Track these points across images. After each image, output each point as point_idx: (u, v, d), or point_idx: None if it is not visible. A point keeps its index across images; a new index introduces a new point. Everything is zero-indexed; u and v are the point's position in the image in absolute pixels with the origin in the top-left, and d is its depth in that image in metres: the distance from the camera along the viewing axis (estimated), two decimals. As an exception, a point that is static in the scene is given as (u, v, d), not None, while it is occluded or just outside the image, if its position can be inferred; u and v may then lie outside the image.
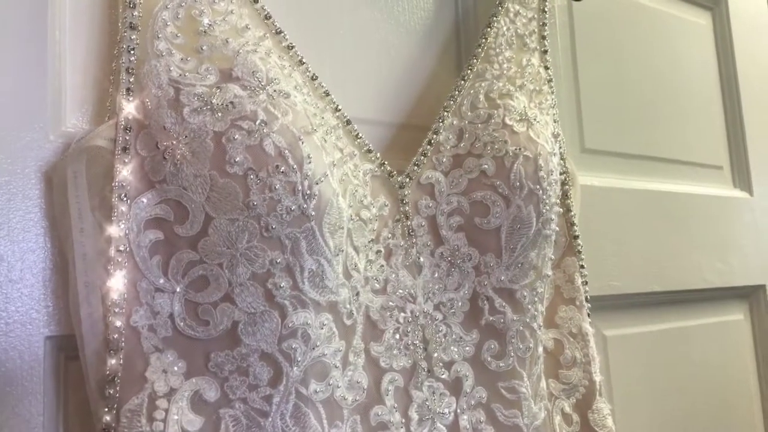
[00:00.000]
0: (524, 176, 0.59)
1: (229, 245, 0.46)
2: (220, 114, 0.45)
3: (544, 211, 0.60)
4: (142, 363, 0.44)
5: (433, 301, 0.57)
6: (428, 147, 0.61)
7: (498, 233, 0.59)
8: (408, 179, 0.59)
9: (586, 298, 0.71)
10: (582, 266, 0.71)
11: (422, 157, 0.60)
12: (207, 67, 0.47)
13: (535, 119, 0.63)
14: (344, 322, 0.51)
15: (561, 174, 0.71)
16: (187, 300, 0.46)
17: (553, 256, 0.65)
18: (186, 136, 0.45)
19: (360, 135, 0.57)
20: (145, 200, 0.46)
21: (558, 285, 0.70)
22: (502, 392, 0.59)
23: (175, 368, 0.45)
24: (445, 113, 0.62)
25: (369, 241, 0.54)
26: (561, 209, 0.66)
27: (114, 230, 0.44)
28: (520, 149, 0.60)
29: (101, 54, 0.50)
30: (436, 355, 0.56)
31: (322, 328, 0.48)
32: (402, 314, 0.55)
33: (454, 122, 0.62)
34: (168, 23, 0.47)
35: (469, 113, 0.62)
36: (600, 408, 0.67)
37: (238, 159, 0.45)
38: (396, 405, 0.53)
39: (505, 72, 0.65)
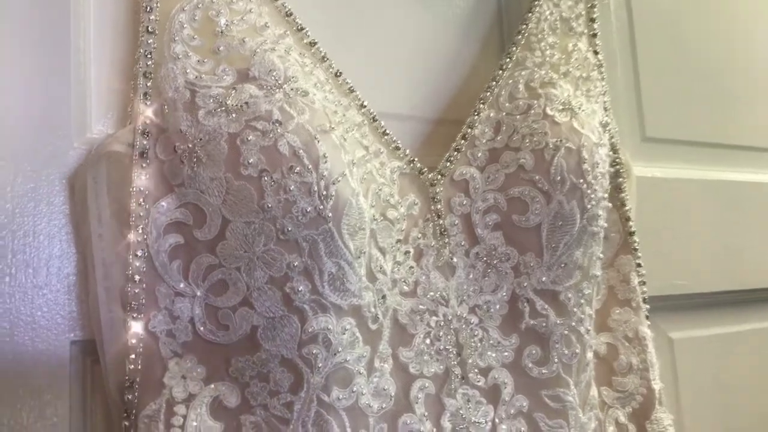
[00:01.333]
0: (566, 169, 0.55)
1: (246, 249, 0.45)
2: (234, 115, 0.44)
3: (589, 206, 0.56)
4: (161, 368, 0.44)
5: (467, 303, 0.55)
6: (462, 142, 0.58)
7: (538, 231, 0.55)
8: (440, 176, 0.56)
9: (644, 299, 0.66)
10: (639, 265, 0.66)
11: (455, 153, 0.57)
12: (224, 68, 0.46)
13: (580, 108, 0.59)
14: (369, 327, 0.49)
15: (613, 166, 0.66)
16: (207, 304, 0.46)
17: (602, 255, 0.60)
18: (201, 139, 0.44)
19: (387, 132, 0.55)
20: (164, 204, 0.46)
21: (612, 285, 0.66)
22: (545, 401, 0.55)
23: (195, 373, 0.45)
24: (481, 105, 0.59)
25: (396, 242, 0.52)
26: (610, 204, 0.61)
27: (132, 235, 0.44)
28: (561, 141, 0.56)
29: (125, 60, 0.50)
30: (471, 360, 0.53)
31: (344, 333, 0.47)
32: (434, 318, 0.53)
33: (491, 114, 0.59)
34: (185, 25, 0.47)
35: (507, 104, 0.59)
36: (660, 418, 0.62)
37: (252, 160, 0.44)
38: (427, 413, 0.51)
39: (547, 59, 0.61)
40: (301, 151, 0.44)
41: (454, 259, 0.55)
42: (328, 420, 0.45)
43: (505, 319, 0.56)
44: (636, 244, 0.66)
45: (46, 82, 0.47)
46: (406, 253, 0.53)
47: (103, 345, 0.43)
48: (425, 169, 0.56)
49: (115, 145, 0.45)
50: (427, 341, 0.52)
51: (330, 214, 0.45)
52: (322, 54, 0.53)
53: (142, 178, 0.45)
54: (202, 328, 0.45)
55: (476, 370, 0.53)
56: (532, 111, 0.58)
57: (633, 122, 0.80)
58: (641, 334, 0.64)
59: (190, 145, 0.45)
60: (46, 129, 0.47)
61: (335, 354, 0.46)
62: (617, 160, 0.67)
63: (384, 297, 0.50)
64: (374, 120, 0.54)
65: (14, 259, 0.44)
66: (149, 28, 0.47)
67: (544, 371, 0.55)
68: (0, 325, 0.43)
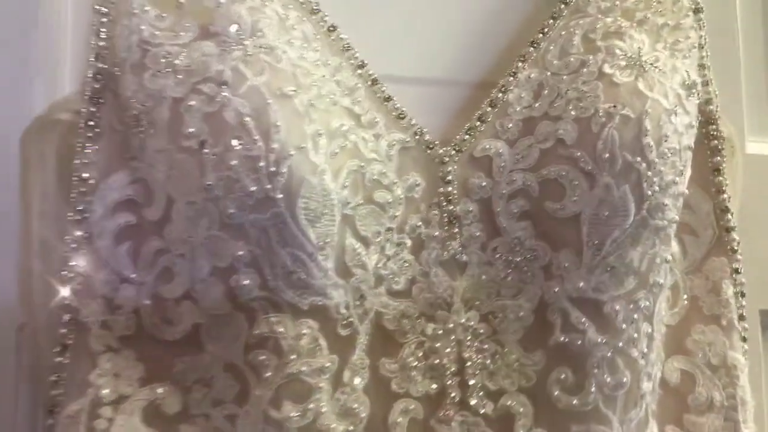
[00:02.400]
0: (618, 144, 0.42)
1: (190, 233, 0.39)
2: (181, 76, 0.38)
3: (650, 192, 0.43)
4: (89, 364, 0.39)
5: (479, 310, 0.44)
6: (489, 109, 0.46)
7: (577, 223, 0.43)
8: (455, 152, 0.46)
9: (742, 315, 0.51)
10: (737, 270, 0.51)
11: (479, 123, 0.46)
12: (186, 24, 0.40)
13: (654, 64, 0.45)
14: (338, 332, 0.40)
15: (708, 140, 0.51)
16: (155, 295, 0.40)
17: (670, 257, 0.46)
18: (145, 105, 0.39)
19: (390, 97, 0.45)
20: (116, 180, 0.41)
21: (696, 296, 0.51)
22: (575, 438, 0.44)
23: (130, 372, 0.40)
24: (521, 64, 0.47)
25: (386, 231, 0.43)
26: (688, 190, 0.47)
27: (75, 214, 0.40)
28: (615, 107, 0.43)
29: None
30: (475, 381, 0.43)
31: (300, 339, 0.39)
32: (430, 325, 0.43)
33: (533, 75, 0.47)
34: None
35: (555, 62, 0.47)
36: (750, 475, 0.47)
37: (192, 130, 0.37)
38: None
39: (618, 3, 0.48)
40: (248, 119, 0.37)
41: (465, 255, 0.44)
42: None
43: (529, 331, 0.44)
44: (735, 244, 0.51)
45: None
46: (400, 244, 0.43)
47: (35, 334, 0.40)
48: (437, 143, 0.46)
49: (61, 113, 0.41)
50: (419, 353, 0.43)
51: (280, 196, 0.37)
52: (314, 5, 0.45)
53: (87, 151, 0.40)
54: (147, 321, 0.40)
55: (482, 394, 0.43)
56: (585, 69, 0.45)
57: (760, 86, 0.62)
58: (731, 362, 0.49)
59: (136, 113, 0.39)
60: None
61: (287, 363, 0.39)
62: (714, 132, 0.51)
63: (362, 297, 0.42)
64: (374, 83, 0.45)
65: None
66: (105, -20, 0.42)
67: (575, 402, 0.43)
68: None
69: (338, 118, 0.41)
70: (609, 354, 0.44)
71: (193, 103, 0.37)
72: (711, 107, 0.52)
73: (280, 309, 0.39)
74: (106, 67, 0.41)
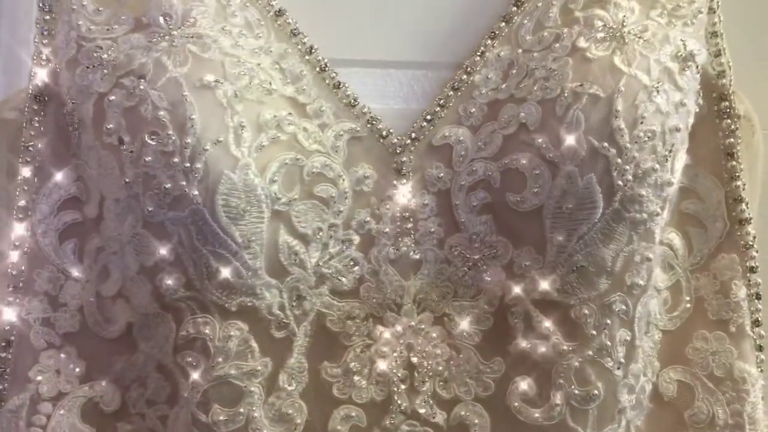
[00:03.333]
0: (583, 127, 0.37)
1: (119, 231, 0.38)
2: (107, 71, 0.37)
3: (620, 182, 0.37)
4: (31, 360, 0.40)
5: (433, 311, 0.41)
6: (451, 93, 0.43)
7: (539, 217, 0.39)
8: (410, 140, 0.42)
9: (757, 321, 0.44)
10: (752, 269, 0.45)
11: (439, 108, 0.42)
12: (122, 17, 0.39)
13: (638, 35, 0.40)
14: (271, 334, 0.39)
15: (721, 118, 0.45)
16: (98, 293, 0.41)
17: (651, 255, 0.40)
18: (75, 101, 0.39)
19: (341, 84, 0.42)
20: (59, 178, 0.41)
21: (701, 297, 0.45)
22: (539, 456, 0.40)
23: (71, 369, 0.40)
24: (489, 42, 0.43)
25: (329, 227, 0.40)
26: (678, 179, 0.41)
27: (17, 212, 0.40)
28: (583, 86, 0.38)
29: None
30: (425, 388, 0.40)
31: (228, 341, 0.38)
32: (378, 327, 0.40)
33: (502, 53, 0.42)
34: None
35: (528, 37, 0.42)
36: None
37: (111, 125, 0.37)
38: None
39: None
40: (163, 112, 0.36)
41: (417, 252, 0.41)
42: None
43: (487, 336, 0.41)
44: (750, 239, 0.44)
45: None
46: (346, 241, 0.41)
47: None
48: (391, 131, 0.42)
49: (5, 112, 0.42)
50: (365, 357, 0.40)
51: (196, 192, 0.36)
52: (259, -11, 0.43)
53: (30, 149, 0.41)
54: (91, 319, 0.41)
55: (432, 402, 0.40)
56: (558, 44, 0.40)
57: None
58: (739, 374, 0.43)
59: (69, 108, 0.39)
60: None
61: (215, 366, 0.37)
62: (726, 110, 0.45)
63: (301, 297, 0.39)
64: (323, 70, 0.42)
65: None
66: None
67: (538, 415, 0.39)
68: None
69: (272, 109, 0.39)
70: (577, 363, 0.39)
71: (113, 97, 0.37)
72: (723, 81, 0.45)
73: (207, 310, 0.37)
74: (50, 64, 0.41)
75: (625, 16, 0.40)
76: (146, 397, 0.39)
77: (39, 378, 0.40)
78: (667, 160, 0.39)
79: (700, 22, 0.43)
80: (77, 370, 0.40)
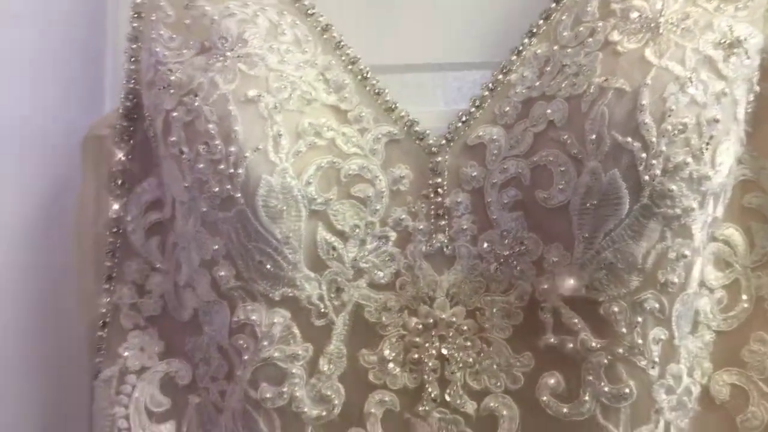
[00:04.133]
0: (607, 122, 0.37)
1: (185, 229, 0.44)
2: (173, 91, 0.43)
3: (647, 177, 0.37)
4: (120, 339, 0.47)
5: (465, 305, 0.42)
6: (487, 93, 0.44)
7: (566, 214, 0.39)
8: (446, 141, 0.44)
9: (827, 323, 0.40)
10: (821, 266, 0.41)
11: (474, 109, 0.44)
12: (190, 42, 0.45)
13: (676, 24, 0.38)
14: (312, 322, 0.42)
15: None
16: (175, 282, 0.47)
17: (688, 253, 0.38)
18: (152, 117, 0.45)
19: (381, 91, 0.45)
20: (147, 183, 0.48)
21: (763, 297, 0.42)
22: (569, 450, 0.40)
23: (153, 347, 0.47)
24: (527, 40, 0.44)
25: (367, 225, 0.43)
26: (710, 171, 0.38)
27: (112, 213, 0.48)
28: (608, 80, 0.38)
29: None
30: (456, 378, 0.41)
31: (272, 327, 0.42)
32: (413, 319, 0.43)
33: (540, 51, 0.43)
34: (161, 1, 0.47)
35: (566, 33, 0.42)
36: None
37: (174, 138, 0.42)
38: None
39: None
40: (212, 125, 0.41)
41: (449, 248, 0.42)
42: (256, 419, 0.42)
43: (518, 330, 0.41)
44: (818, 233, 0.41)
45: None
46: (383, 238, 0.43)
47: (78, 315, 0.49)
48: (428, 133, 0.44)
49: (100, 129, 0.49)
50: (399, 347, 0.43)
51: (239, 195, 0.40)
52: (308, 8, 0.47)
53: (121, 159, 0.48)
54: (170, 305, 0.47)
55: (463, 392, 0.41)
56: (591, 39, 0.40)
57: None
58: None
59: (147, 124, 0.46)
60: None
61: (261, 348, 0.42)
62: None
63: (339, 289, 0.43)
64: (365, 78, 0.45)
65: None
66: (136, 12, 0.48)
67: (566, 410, 0.40)
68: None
69: (312, 117, 0.43)
70: (606, 360, 0.39)
71: (176, 114, 0.42)
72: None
73: (255, 298, 0.42)
74: (137, 87, 0.48)
75: (664, 4, 0.39)
76: (210, 374, 0.45)
77: (126, 354, 0.47)
78: (703, 153, 0.37)
79: (757, 5, 0.40)
80: (157, 348, 0.47)
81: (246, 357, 0.42)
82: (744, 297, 0.42)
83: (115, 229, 0.48)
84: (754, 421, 0.41)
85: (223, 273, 0.42)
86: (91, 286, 0.48)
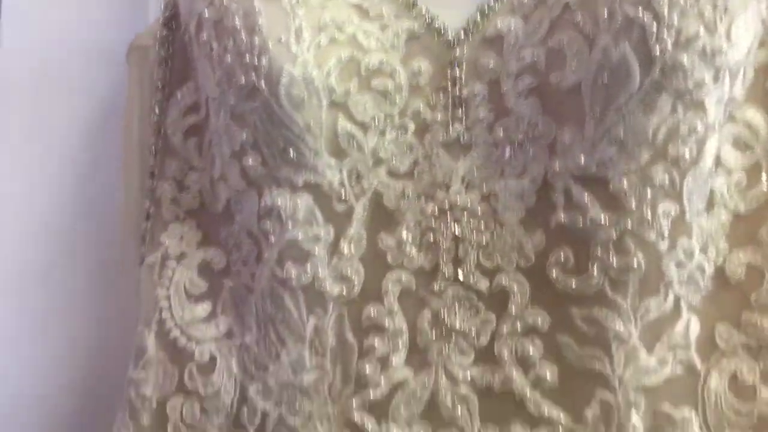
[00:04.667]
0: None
1: (217, 124, 0.47)
2: None
3: (658, 51, 0.37)
4: (162, 229, 0.51)
5: (480, 190, 0.43)
6: None
7: (578, 95, 0.39)
8: (465, 34, 0.45)
9: None
10: None
11: (494, 2, 0.44)
12: None
13: None
14: (333, 207, 0.45)
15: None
16: (210, 177, 0.50)
17: (700, 127, 0.38)
18: (187, 22, 0.48)
19: (405, -12, 0.46)
20: (185, 89, 0.51)
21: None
22: (576, 323, 0.41)
23: (191, 236, 0.50)
24: None
25: (386, 116, 0.45)
26: (723, 43, 0.38)
27: (154, 117, 0.52)
28: None
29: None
30: (470, 257, 0.43)
31: (296, 210, 0.44)
32: (430, 204, 0.44)
33: None
34: None
35: None
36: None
37: (205, 37, 0.45)
38: (398, 309, 0.44)
39: None
40: (238, 21, 0.43)
41: (466, 136, 0.44)
42: (282, 296, 0.45)
43: (531, 211, 0.42)
44: None
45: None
46: (402, 128, 0.45)
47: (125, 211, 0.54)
48: (447, 27, 0.45)
49: (144, 39, 0.53)
50: (416, 231, 0.44)
51: (263, 85, 0.43)
52: None
53: (162, 67, 0.52)
54: (207, 199, 0.50)
55: (476, 270, 0.43)
56: None
57: None
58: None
59: (183, 29, 0.49)
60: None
61: (286, 230, 0.45)
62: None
63: (360, 176, 0.45)
64: None
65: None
66: None
67: (575, 285, 0.41)
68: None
69: (333, 13, 0.45)
70: (616, 236, 0.40)
71: (207, 14, 0.45)
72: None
73: (280, 185, 0.45)
74: None
75: None
76: (241, 258, 0.48)
77: (167, 242, 0.50)
78: (717, 25, 0.37)
79: None
80: (195, 237, 0.50)
81: (273, 239, 0.45)
82: (764, 179, 0.42)
83: (157, 131, 0.52)
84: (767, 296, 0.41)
85: (251, 162, 0.45)
86: (136, 183, 0.52)
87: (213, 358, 0.48)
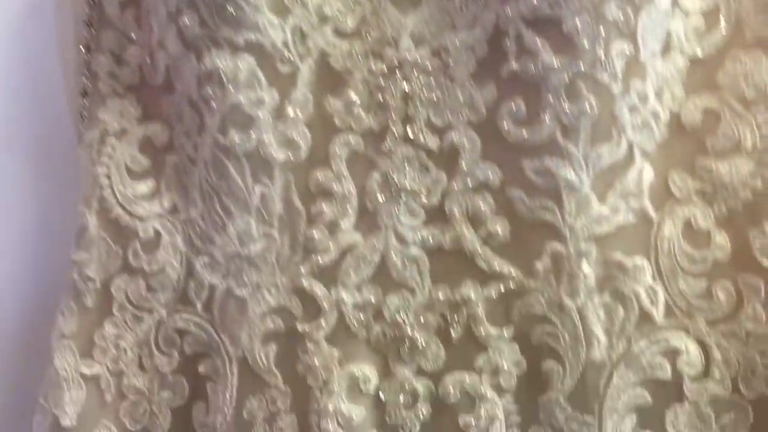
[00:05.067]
0: None
1: None
2: None
3: None
4: (101, 105, 0.48)
5: (430, 44, 0.41)
6: None
7: None
8: None
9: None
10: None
11: None
12: None
13: None
14: (277, 68, 0.42)
15: None
16: (150, 47, 0.47)
17: None
18: None
19: None
20: None
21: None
22: (528, 175, 0.39)
23: (132, 112, 0.48)
24: None
25: None
26: None
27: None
28: None
29: None
30: (419, 115, 0.41)
31: (238, 72, 0.42)
32: (378, 62, 0.42)
33: None
34: None
35: None
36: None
37: None
38: (347, 173, 0.42)
39: None
40: None
41: None
42: (226, 164, 0.43)
43: (482, 63, 0.40)
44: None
45: None
46: None
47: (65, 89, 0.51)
48: None
49: None
50: (364, 91, 0.42)
51: None
52: None
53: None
54: (146, 73, 0.48)
55: (426, 128, 0.41)
56: None
57: None
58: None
59: None
60: None
61: (228, 94, 0.42)
62: None
63: (304, 35, 0.42)
64: None
65: None
66: None
67: (526, 135, 0.39)
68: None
69: None
70: (568, 79, 0.38)
71: None
72: None
73: (220, 46, 0.42)
74: None
75: None
76: (184, 130, 0.46)
77: (105, 117, 0.48)
78: None
79: None
80: (136, 113, 0.48)
81: (214, 105, 0.43)
82: (722, 23, 0.40)
83: (91, 2, 0.49)
84: (724, 141, 0.39)
85: (187, 21, 0.42)
86: (72, 59, 0.49)
87: (158, 234, 0.46)
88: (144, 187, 0.47)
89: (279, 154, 0.43)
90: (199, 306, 0.45)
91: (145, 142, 0.48)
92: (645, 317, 0.40)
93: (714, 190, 0.39)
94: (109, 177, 0.47)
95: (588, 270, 0.39)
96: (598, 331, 0.39)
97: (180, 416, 0.46)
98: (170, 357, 0.46)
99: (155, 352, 0.46)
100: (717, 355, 0.39)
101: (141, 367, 0.47)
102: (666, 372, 0.39)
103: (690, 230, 0.40)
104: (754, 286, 0.39)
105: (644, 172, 0.40)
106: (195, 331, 0.46)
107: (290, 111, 0.43)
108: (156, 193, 0.47)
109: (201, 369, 0.46)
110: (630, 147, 0.39)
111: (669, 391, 0.40)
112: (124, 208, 0.47)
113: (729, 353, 0.39)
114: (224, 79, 0.42)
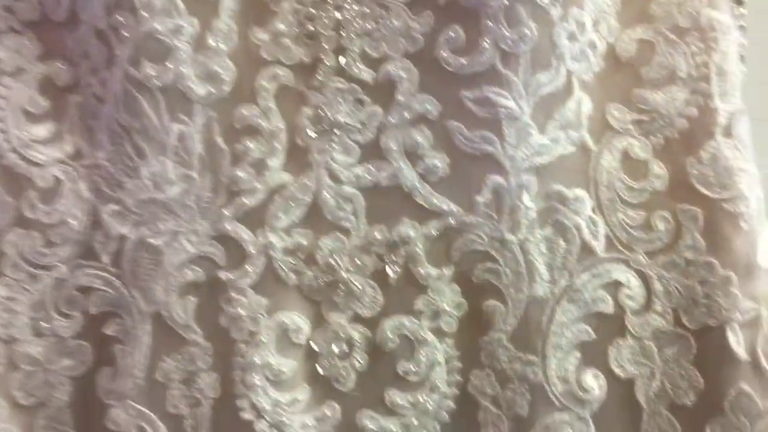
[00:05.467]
0: None
1: None
2: None
3: None
4: None
5: None
6: None
7: None
8: None
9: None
10: None
11: None
12: None
13: None
14: None
15: None
16: None
17: None
18: None
19: None
20: None
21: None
22: (466, 105, 0.38)
23: (30, 49, 0.42)
24: None
25: None
26: None
27: None
28: None
29: None
30: (352, 46, 0.39)
31: None
32: None
33: None
34: None
35: None
36: (717, 155, 0.37)
37: None
38: (276, 108, 0.39)
39: None
40: None
41: None
42: (139, 100, 0.39)
43: (419, -10, 0.39)
44: None
45: None
46: None
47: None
48: None
49: None
50: (295, 20, 0.40)
51: None
52: None
53: None
54: (48, 7, 0.43)
55: (360, 61, 0.39)
56: None
57: None
58: (707, 22, 0.38)
59: None
60: None
61: (142, 21, 0.39)
62: None
63: None
64: None
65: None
66: None
67: (465, 63, 0.38)
68: None
69: None
70: (507, 2, 0.37)
71: None
72: None
73: None
74: None
75: None
76: (90, 66, 0.41)
77: (0, 56, 0.43)
78: None
79: None
80: (36, 51, 0.43)
81: (125, 33, 0.39)
82: None
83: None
84: (659, 70, 0.39)
85: None
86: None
87: (58, 182, 0.41)
88: (43, 130, 0.42)
89: (199, 89, 0.39)
90: (106, 260, 0.41)
91: (46, 81, 0.43)
92: (586, 250, 0.39)
93: (651, 120, 0.39)
94: (3, 120, 0.42)
95: (529, 202, 0.38)
96: (540, 265, 0.38)
97: (81, 386, 0.41)
98: (72, 319, 0.41)
99: (54, 315, 0.41)
100: (658, 286, 0.39)
101: (37, 332, 0.41)
102: (608, 305, 0.39)
103: (628, 161, 0.39)
104: (693, 215, 0.39)
105: (583, 103, 0.39)
106: (101, 288, 0.41)
107: (212, 41, 0.39)
108: (57, 137, 0.42)
109: (108, 330, 0.41)
110: (569, 76, 0.38)
111: (611, 325, 0.39)
112: (18, 154, 0.42)
113: (669, 284, 0.39)
114: (137, 4, 0.38)
